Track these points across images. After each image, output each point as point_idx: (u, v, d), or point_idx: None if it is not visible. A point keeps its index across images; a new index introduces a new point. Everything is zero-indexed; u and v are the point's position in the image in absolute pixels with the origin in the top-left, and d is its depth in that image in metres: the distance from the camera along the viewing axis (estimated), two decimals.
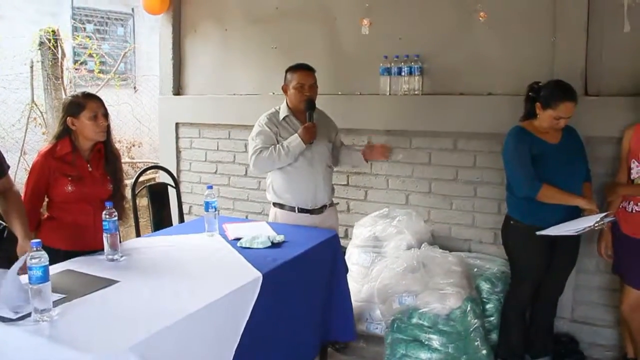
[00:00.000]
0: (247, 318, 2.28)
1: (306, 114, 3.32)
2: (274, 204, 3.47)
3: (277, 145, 3.28)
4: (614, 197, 3.11)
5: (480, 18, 3.69)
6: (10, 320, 1.88)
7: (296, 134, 3.27)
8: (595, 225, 2.82)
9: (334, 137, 3.54)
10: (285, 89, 3.42)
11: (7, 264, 2.35)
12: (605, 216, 2.84)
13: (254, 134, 3.37)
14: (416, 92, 3.94)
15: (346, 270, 3.28)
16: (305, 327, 2.82)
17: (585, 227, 2.82)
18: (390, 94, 4.02)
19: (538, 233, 2.94)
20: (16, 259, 2.29)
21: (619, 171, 3.18)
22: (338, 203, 3.67)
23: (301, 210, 3.38)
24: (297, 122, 3.37)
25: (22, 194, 2.81)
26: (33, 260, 1.86)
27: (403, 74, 3.95)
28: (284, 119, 3.38)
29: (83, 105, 2.75)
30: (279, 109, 3.44)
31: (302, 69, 3.38)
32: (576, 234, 2.90)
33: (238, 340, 2.23)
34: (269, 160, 3.27)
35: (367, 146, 3.57)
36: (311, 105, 3.33)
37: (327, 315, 3.05)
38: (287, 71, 3.43)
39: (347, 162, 3.64)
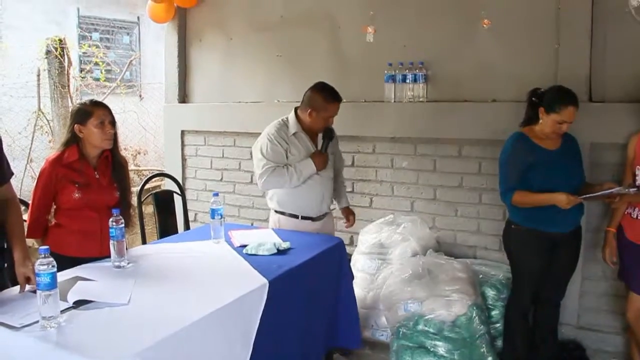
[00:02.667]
0: (257, 326, 2.29)
1: (322, 142, 3.33)
2: (277, 211, 3.45)
3: (290, 168, 3.23)
4: (619, 203, 3.10)
5: (484, 25, 3.70)
6: (15, 328, 1.89)
7: (310, 161, 3.26)
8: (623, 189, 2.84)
9: (336, 149, 3.57)
10: (310, 112, 3.24)
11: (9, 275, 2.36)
12: (628, 187, 2.86)
13: (264, 149, 3.25)
14: (421, 99, 3.95)
15: (352, 277, 3.28)
16: (312, 334, 2.82)
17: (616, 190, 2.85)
18: (395, 101, 4.03)
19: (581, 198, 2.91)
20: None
21: (624, 177, 3.18)
22: (335, 208, 3.68)
23: (304, 218, 3.39)
24: (307, 139, 3.33)
25: (30, 201, 2.83)
26: (41, 267, 1.87)
27: (408, 81, 3.96)
28: (294, 134, 3.31)
29: (90, 112, 2.78)
30: (287, 121, 3.34)
31: (337, 101, 3.27)
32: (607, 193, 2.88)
33: (250, 350, 2.25)
34: (280, 181, 3.24)
35: (348, 214, 3.66)
36: (331, 135, 3.36)
37: (333, 322, 3.05)
38: (319, 94, 3.25)
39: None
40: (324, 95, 3.25)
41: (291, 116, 3.36)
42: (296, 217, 3.38)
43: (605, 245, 3.23)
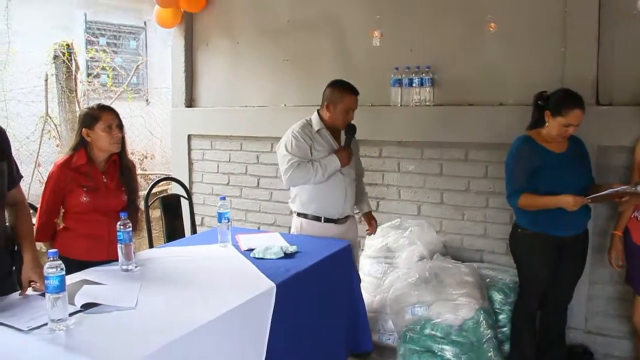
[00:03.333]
0: (268, 330, 2.30)
1: (345, 137, 3.36)
2: (299, 214, 3.44)
3: (315, 163, 3.25)
4: (626, 206, 3.09)
5: (491, 29, 3.70)
6: (23, 331, 1.89)
7: (334, 156, 3.28)
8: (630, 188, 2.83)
9: (357, 152, 3.59)
10: (327, 105, 3.34)
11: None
12: (635, 185, 2.85)
13: (290, 145, 3.29)
14: (427, 103, 3.96)
15: (359, 280, 3.27)
16: (330, 338, 2.82)
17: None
18: (401, 105, 4.04)
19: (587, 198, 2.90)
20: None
21: (631, 180, 3.15)
22: (358, 212, 3.69)
23: (327, 220, 3.38)
24: (330, 136, 3.37)
25: (38, 205, 2.85)
26: (50, 270, 1.88)
27: (414, 85, 3.97)
28: (317, 131, 3.35)
29: (98, 117, 2.79)
30: (310, 120, 3.39)
31: (355, 94, 3.33)
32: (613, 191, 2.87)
33: (264, 354, 2.26)
34: (305, 176, 3.25)
35: (370, 219, 3.72)
36: (354, 131, 3.38)
37: (348, 326, 3.05)
38: (335, 87, 3.36)
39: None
40: (340, 88, 3.34)
41: (314, 116, 3.42)
42: (319, 219, 3.38)
43: (611, 249, 3.21)
